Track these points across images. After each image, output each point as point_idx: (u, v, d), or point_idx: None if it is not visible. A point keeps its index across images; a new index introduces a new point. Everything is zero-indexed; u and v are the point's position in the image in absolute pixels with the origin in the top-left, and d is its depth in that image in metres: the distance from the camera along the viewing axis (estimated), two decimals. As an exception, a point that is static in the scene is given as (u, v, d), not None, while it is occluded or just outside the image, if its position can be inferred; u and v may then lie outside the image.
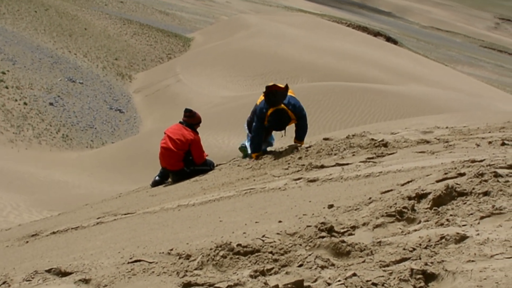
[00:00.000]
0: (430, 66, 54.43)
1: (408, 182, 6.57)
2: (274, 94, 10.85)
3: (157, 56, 53.12)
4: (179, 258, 5.23)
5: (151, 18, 67.02)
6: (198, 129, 12.38)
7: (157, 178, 12.34)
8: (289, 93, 11.11)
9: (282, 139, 12.14)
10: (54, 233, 9.15)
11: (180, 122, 12.15)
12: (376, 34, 78.56)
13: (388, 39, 78.57)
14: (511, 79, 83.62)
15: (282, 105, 10.95)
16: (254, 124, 11.30)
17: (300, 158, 9.97)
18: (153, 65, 51.06)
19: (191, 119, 12.17)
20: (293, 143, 11.41)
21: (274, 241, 5.12)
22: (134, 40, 55.13)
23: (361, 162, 8.75)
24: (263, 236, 5.27)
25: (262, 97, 11.09)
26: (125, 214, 9.29)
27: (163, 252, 5.50)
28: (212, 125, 26.75)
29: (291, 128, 11.53)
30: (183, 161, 11.83)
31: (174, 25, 66.53)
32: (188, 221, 7.33)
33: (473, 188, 5.73)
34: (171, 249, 5.55)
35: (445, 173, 6.33)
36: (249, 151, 11.52)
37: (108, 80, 44.76)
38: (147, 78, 46.82)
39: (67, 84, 41.19)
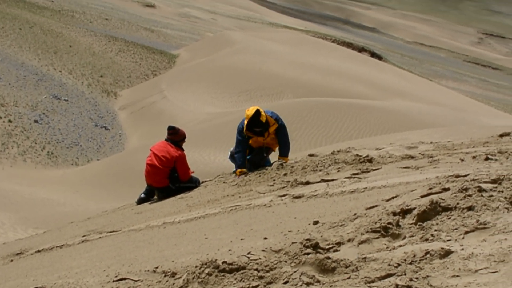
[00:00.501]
0: (415, 81, 54.69)
1: (393, 197, 6.58)
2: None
3: (143, 73, 53.10)
4: (165, 276, 5.21)
5: (136, 35, 67.05)
6: (184, 145, 12.38)
7: (142, 195, 12.30)
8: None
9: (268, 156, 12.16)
10: (39, 251, 9.10)
11: (165, 139, 12.14)
12: (361, 49, 78.91)
13: (373, 54, 78.93)
14: (495, 94, 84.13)
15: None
16: (236, 140, 11.72)
17: (285, 174, 9.98)
18: (138, 82, 51.02)
19: (175, 136, 12.16)
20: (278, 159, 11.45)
21: (260, 258, 5.12)
22: (119, 57, 55.11)
23: (346, 178, 8.77)
24: (249, 253, 5.26)
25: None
26: (110, 232, 9.25)
27: (148, 270, 5.48)
28: (197, 141, 26.71)
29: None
30: (169, 178, 11.81)
31: (159, 42, 66.58)
32: (174, 239, 7.31)
33: (458, 203, 5.75)
34: (157, 267, 5.54)
35: (430, 188, 6.35)
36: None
37: (93, 97, 44.68)
38: (133, 95, 46.76)
39: (52, 102, 41.07)
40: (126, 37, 63.10)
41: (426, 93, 46.69)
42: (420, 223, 5.57)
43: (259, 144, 11.99)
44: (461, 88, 78.64)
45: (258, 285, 4.66)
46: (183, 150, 12.15)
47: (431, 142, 11.39)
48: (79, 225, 11.50)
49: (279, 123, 11.87)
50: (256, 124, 11.50)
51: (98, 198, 25.63)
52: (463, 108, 42.66)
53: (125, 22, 72.52)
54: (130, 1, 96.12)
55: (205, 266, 5.02)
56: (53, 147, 34.57)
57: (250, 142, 11.92)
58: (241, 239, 6.37)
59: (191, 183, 11.90)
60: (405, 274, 4.53)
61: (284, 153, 11.82)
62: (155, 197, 12.09)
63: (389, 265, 4.68)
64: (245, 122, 11.52)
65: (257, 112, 11.48)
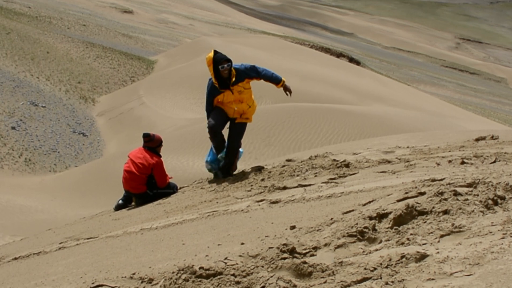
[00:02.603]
0: (393, 86, 54.95)
1: (370, 202, 6.62)
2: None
3: (121, 79, 52.94)
4: (142, 282, 5.21)
5: (114, 41, 66.84)
6: (162, 151, 12.37)
7: (120, 201, 12.26)
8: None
9: (245, 160, 12.09)
10: (16, 259, 9.03)
11: (143, 146, 12.13)
12: (339, 55, 79.21)
13: (351, 59, 79.24)
14: (472, 98, 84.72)
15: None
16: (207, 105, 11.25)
17: (262, 179, 9.99)
18: (116, 88, 50.85)
19: (151, 143, 12.14)
20: (256, 164, 11.40)
21: (237, 263, 5.13)
22: (97, 63, 54.90)
23: (323, 183, 8.79)
24: (226, 258, 5.26)
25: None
26: (88, 239, 9.20)
27: (125, 276, 5.46)
28: (176, 147, 26.67)
29: (256, 149, 11.51)
30: (146, 184, 11.79)
31: (137, 48, 66.42)
32: (151, 245, 7.29)
33: (433, 207, 5.79)
34: (134, 273, 5.52)
35: (406, 193, 6.39)
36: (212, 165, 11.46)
37: (71, 103, 44.48)
38: (111, 101, 46.62)
39: (29, 108, 40.85)
40: (104, 43, 62.89)
41: (404, 98, 46.93)
42: (396, 227, 5.60)
43: (231, 105, 10.93)
44: (438, 92, 79.13)
45: (234, 290, 4.67)
46: (160, 156, 12.14)
47: (407, 147, 11.46)
48: (57, 232, 11.43)
49: (236, 67, 10.87)
50: (222, 57, 10.64)
51: (76, 204, 25.50)
52: (441, 112, 42.90)
53: (103, 28, 72.27)
54: (108, 7, 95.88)
55: (182, 271, 5.02)
56: (31, 153, 34.36)
57: (220, 102, 10.98)
58: (218, 245, 6.37)
59: (169, 189, 11.89)
60: (381, 278, 4.55)
61: (275, 80, 10.95)
62: (133, 203, 12.06)
63: (365, 269, 4.71)
64: (211, 72, 10.76)
65: (215, 50, 10.79)
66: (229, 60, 10.67)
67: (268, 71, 10.98)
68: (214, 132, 10.87)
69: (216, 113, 10.94)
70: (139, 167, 11.76)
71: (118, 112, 42.91)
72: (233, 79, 10.73)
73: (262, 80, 11.04)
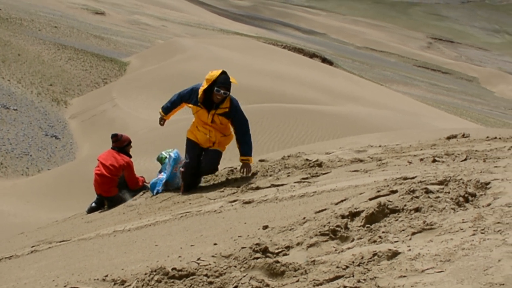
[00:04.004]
0: (366, 86, 55.20)
1: (342, 201, 6.64)
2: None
3: (93, 81, 52.62)
4: (114, 284, 5.18)
5: (86, 43, 66.44)
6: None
7: (93, 204, 12.21)
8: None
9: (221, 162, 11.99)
10: (-13, 263, 8.96)
11: (111, 148, 12.09)
12: (312, 55, 79.38)
13: (324, 60, 79.46)
14: (444, 97, 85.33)
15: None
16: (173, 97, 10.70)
17: (235, 180, 9.99)
18: (88, 90, 50.53)
19: (119, 143, 12.11)
20: (229, 165, 11.28)
21: (209, 264, 5.12)
22: (69, 65, 54.53)
23: (296, 182, 8.81)
24: (198, 259, 5.26)
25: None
26: (60, 242, 9.16)
27: (98, 279, 5.44)
28: (149, 149, 26.56)
29: (229, 150, 11.40)
30: (118, 186, 11.74)
31: (110, 50, 66.07)
32: (124, 247, 7.26)
33: (405, 205, 5.82)
34: (106, 275, 5.50)
35: (378, 191, 6.42)
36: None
37: (43, 106, 44.14)
38: (83, 103, 46.32)
39: (0, 111, 40.48)
40: (76, 45, 62.48)
41: (377, 98, 47.15)
42: (368, 225, 5.63)
43: (204, 129, 10.02)
44: (411, 92, 79.59)
45: (207, 291, 4.67)
46: (130, 157, 12.10)
47: (380, 146, 11.51)
48: (29, 235, 11.37)
49: (233, 103, 9.96)
50: (224, 82, 9.75)
51: (49, 208, 25.31)
52: (414, 111, 43.16)
53: (74, 30, 71.84)
54: (79, 8, 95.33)
55: (154, 273, 5.00)
56: (2, 157, 34.05)
57: (196, 120, 10.16)
58: (191, 245, 6.36)
59: (140, 191, 11.84)
60: (353, 276, 4.57)
61: (245, 151, 9.98)
62: (106, 206, 12.01)
63: (337, 267, 4.72)
64: (204, 85, 9.88)
65: (225, 72, 9.87)
66: (228, 90, 9.81)
67: (249, 139, 10.15)
68: (191, 169, 10.10)
69: (189, 149, 10.22)
70: (110, 169, 11.71)
71: (91, 114, 42.67)
72: (220, 107, 9.89)
73: (232, 132, 10.27)
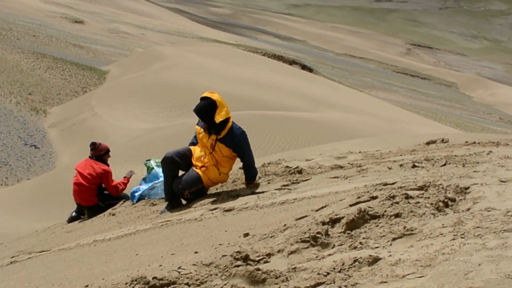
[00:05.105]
0: (346, 92, 55.36)
1: (322, 207, 6.65)
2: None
3: (72, 90, 52.38)
4: (94, 294, 5.16)
5: (65, 52, 66.14)
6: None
7: (73, 214, 12.15)
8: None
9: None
10: (-34, 275, 8.87)
11: (89, 157, 12.05)
12: (292, 62, 79.44)
13: (304, 67, 79.54)
14: (424, 103, 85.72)
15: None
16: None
17: (216, 188, 9.96)
18: (68, 99, 50.29)
19: (97, 151, 12.07)
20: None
21: (190, 272, 5.11)
22: (48, 74, 54.25)
23: (276, 189, 8.82)
24: (179, 267, 5.24)
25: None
26: (40, 252, 9.09)
27: (78, 289, 5.42)
28: (130, 158, 26.49)
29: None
30: (97, 196, 11.69)
31: (89, 58, 65.83)
32: (104, 256, 7.23)
33: (385, 211, 5.84)
34: (87, 285, 5.48)
35: (358, 197, 6.43)
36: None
37: (22, 115, 43.89)
38: (63, 112, 46.10)
39: (-21, 121, 40.24)
40: (55, 53, 62.18)
41: (356, 104, 47.31)
42: (349, 232, 5.64)
43: (201, 151, 9.56)
44: (391, 98, 79.88)
45: (188, 299, 4.66)
46: (108, 165, 12.04)
47: (360, 152, 11.54)
48: (8, 246, 11.28)
49: (232, 130, 9.43)
50: (203, 109, 9.24)
51: (29, 218, 25.15)
52: (393, 117, 43.34)
53: (53, 39, 71.51)
54: (58, 17, 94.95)
55: (135, 282, 4.98)
56: (-19, 167, 33.83)
57: (197, 144, 9.74)
58: (172, 254, 6.34)
59: (120, 200, 11.78)
60: (334, 282, 4.57)
61: (249, 176, 9.58)
62: (86, 215, 11.94)
63: (318, 274, 4.72)
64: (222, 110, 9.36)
65: (209, 99, 9.27)
66: (203, 120, 9.31)
67: (253, 171, 9.63)
68: (166, 163, 9.48)
69: (182, 148, 9.75)
70: (88, 179, 11.66)
71: (70, 123, 42.47)
72: (221, 132, 9.38)
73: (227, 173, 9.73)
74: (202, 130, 9.53)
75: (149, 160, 11.39)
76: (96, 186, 11.69)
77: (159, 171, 10.82)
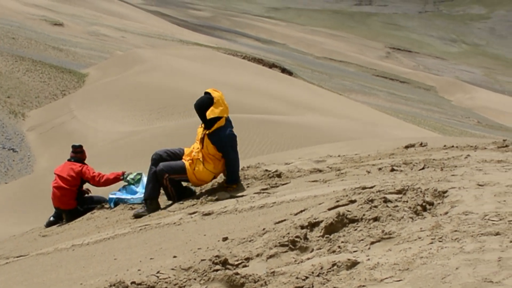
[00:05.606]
0: (325, 95, 55.47)
1: (301, 211, 6.65)
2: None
3: (51, 93, 52.09)
4: (72, 299, 5.13)
5: (44, 55, 65.78)
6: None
7: (51, 218, 12.07)
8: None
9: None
10: None
11: (68, 160, 11.98)
12: (271, 65, 79.47)
13: (283, 70, 79.57)
14: (403, 106, 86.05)
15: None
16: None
17: (195, 192, 9.94)
18: (47, 102, 50.01)
19: (82, 155, 12.03)
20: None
21: (169, 277, 5.10)
22: (27, 77, 53.92)
23: (255, 193, 8.81)
24: (158, 272, 5.23)
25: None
26: (18, 257, 9.03)
27: (55, 294, 5.38)
28: (109, 161, 26.36)
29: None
30: (76, 199, 11.63)
31: (68, 61, 65.50)
32: (82, 261, 7.19)
33: (364, 214, 5.86)
34: (64, 290, 5.44)
35: (337, 201, 6.44)
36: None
37: (0, 118, 43.60)
38: (41, 115, 45.83)
39: (-44, 124, 39.93)
40: (34, 56, 61.81)
41: (336, 107, 47.41)
42: (328, 236, 5.65)
43: (194, 146, 9.73)
44: (370, 101, 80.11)
45: (166, 304, 4.64)
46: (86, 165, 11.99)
47: (339, 156, 11.56)
48: (-15, 251, 11.18)
49: (219, 129, 9.45)
50: (200, 104, 9.49)
51: (6, 222, 24.95)
52: (373, 121, 43.46)
53: (32, 41, 71.09)
54: (38, 19, 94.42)
55: (113, 287, 4.97)
56: (-41, 171, 33.56)
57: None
58: (151, 259, 6.32)
59: (98, 204, 11.70)
60: (312, 286, 4.58)
61: (229, 179, 9.55)
62: (64, 219, 11.86)
63: (297, 278, 4.72)
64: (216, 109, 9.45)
65: (209, 94, 9.51)
66: (199, 116, 9.53)
67: (235, 176, 9.57)
68: (154, 160, 9.63)
69: (174, 148, 9.90)
70: (68, 180, 11.59)
71: (49, 126, 42.22)
72: (212, 128, 9.45)
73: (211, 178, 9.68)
74: (201, 125, 9.71)
75: (129, 174, 11.34)
76: (76, 188, 11.63)
77: (136, 186, 10.88)
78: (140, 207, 9.64)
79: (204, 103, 9.45)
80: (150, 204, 9.48)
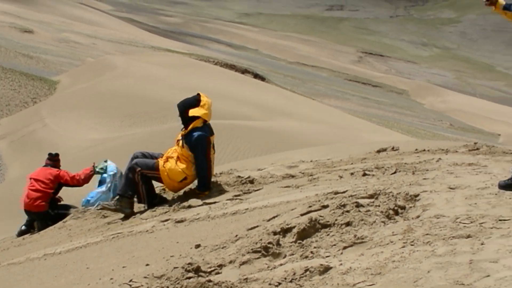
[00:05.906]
0: (298, 100, 55.55)
1: (274, 217, 6.65)
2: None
3: (22, 101, 51.67)
4: (44, 309, 5.09)
5: (14, 62, 65.21)
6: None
7: (23, 227, 11.98)
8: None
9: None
10: None
11: (44, 166, 11.96)
12: (244, 71, 79.44)
13: (256, 75, 79.57)
14: (376, 110, 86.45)
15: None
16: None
17: (167, 199, 9.91)
18: (17, 110, 49.59)
19: (58, 162, 12.06)
20: (161, 184, 10.65)
21: (142, 285, 5.07)
22: (-3, 85, 53.48)
23: (228, 200, 8.79)
24: (131, 280, 5.20)
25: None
26: (-12, 267, 8.93)
27: (27, 304, 5.33)
28: (80, 168, 26.17)
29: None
30: (49, 203, 11.57)
31: (39, 68, 65.00)
32: (54, 270, 7.13)
33: (336, 219, 5.87)
34: (36, 301, 5.39)
35: (309, 206, 6.46)
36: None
37: (-30, 127, 43.21)
38: (12, 123, 45.44)
39: None
40: (4, 64, 61.27)
41: (309, 112, 47.51)
42: (300, 241, 5.65)
43: (174, 146, 9.85)
44: (343, 106, 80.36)
45: (138, 313, 4.62)
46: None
47: (311, 161, 11.59)
48: (-45, 261, 11.05)
49: (191, 131, 9.47)
50: (185, 102, 9.73)
51: (-22, 231, 24.70)
52: (346, 125, 43.62)
53: (2, 49, 70.48)
54: (7, 26, 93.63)
55: (85, 297, 4.93)
56: None
57: None
58: (123, 267, 6.28)
59: (70, 209, 11.67)
60: (285, 293, 4.57)
61: (199, 184, 9.55)
62: (36, 229, 11.77)
63: (269, 284, 4.72)
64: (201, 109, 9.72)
65: (198, 96, 9.83)
66: (180, 114, 9.70)
67: (203, 178, 9.50)
68: (131, 158, 9.72)
69: (154, 152, 10.02)
70: (45, 183, 11.59)
71: (20, 134, 41.87)
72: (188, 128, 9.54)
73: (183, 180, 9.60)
74: (182, 129, 9.77)
75: (97, 165, 11.52)
76: (51, 191, 11.59)
77: (107, 176, 11.25)
78: (113, 201, 9.62)
79: (189, 102, 9.69)
80: (120, 201, 9.49)
